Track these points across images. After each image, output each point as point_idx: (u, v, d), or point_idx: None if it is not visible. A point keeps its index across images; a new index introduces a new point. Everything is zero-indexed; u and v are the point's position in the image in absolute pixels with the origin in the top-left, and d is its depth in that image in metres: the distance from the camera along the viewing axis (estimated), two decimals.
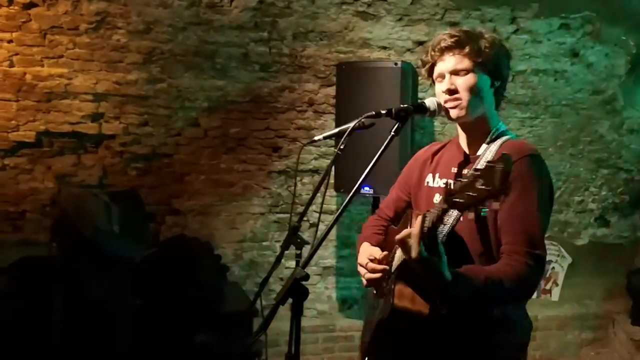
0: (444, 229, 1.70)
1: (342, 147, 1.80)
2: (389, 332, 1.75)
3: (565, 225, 4.85)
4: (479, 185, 1.39)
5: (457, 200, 1.44)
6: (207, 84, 4.04)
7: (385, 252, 1.85)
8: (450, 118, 1.80)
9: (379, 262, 1.82)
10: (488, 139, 1.80)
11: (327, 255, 4.39)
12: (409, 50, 4.35)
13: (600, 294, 4.90)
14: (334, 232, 4.35)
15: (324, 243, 1.74)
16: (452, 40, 1.76)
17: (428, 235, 1.53)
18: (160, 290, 3.28)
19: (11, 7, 3.66)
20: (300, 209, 4.05)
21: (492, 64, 1.77)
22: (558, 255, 4.79)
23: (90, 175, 3.88)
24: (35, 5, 3.71)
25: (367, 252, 1.90)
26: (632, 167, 4.93)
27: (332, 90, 4.13)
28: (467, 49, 1.75)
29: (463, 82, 1.75)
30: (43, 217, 3.78)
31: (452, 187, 1.47)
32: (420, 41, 4.35)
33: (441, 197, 1.67)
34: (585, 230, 4.91)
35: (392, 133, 1.72)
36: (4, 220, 3.74)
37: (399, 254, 1.74)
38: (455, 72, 1.76)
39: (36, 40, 3.72)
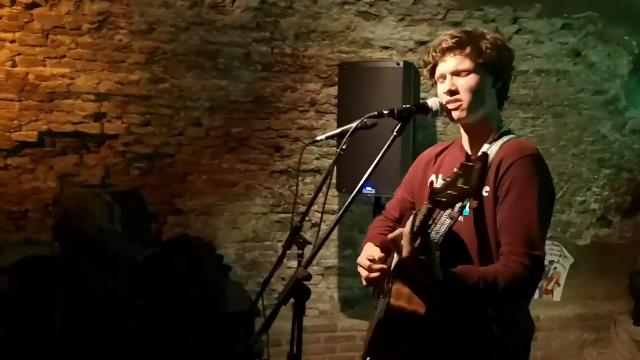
0: (441, 229, 1.69)
1: (344, 147, 1.79)
2: (387, 332, 1.75)
3: (568, 225, 4.84)
4: (459, 184, 1.42)
5: (440, 199, 1.47)
6: (209, 84, 4.05)
7: (383, 254, 1.85)
8: (452, 119, 1.80)
9: (378, 262, 1.82)
10: (490, 139, 1.79)
11: (329, 255, 4.39)
12: (411, 50, 4.36)
13: (602, 295, 4.89)
14: (335, 232, 4.35)
15: (325, 243, 1.74)
16: (453, 40, 1.76)
17: (418, 234, 1.53)
18: (163, 290, 3.28)
19: (14, 7, 3.67)
20: (302, 208, 4.05)
21: (493, 65, 1.76)
22: (560, 256, 4.78)
23: (92, 175, 3.89)
24: (38, 5, 3.71)
25: (367, 252, 1.91)
26: (635, 167, 4.92)
27: (334, 90, 4.14)
28: (468, 50, 1.74)
29: (464, 83, 1.75)
30: (45, 216, 3.79)
31: (436, 186, 1.50)
32: (422, 41, 4.35)
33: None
34: (587, 230, 4.90)
35: (395, 133, 1.72)
36: (6, 220, 3.75)
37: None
38: (456, 73, 1.76)
39: (38, 40, 3.73)
